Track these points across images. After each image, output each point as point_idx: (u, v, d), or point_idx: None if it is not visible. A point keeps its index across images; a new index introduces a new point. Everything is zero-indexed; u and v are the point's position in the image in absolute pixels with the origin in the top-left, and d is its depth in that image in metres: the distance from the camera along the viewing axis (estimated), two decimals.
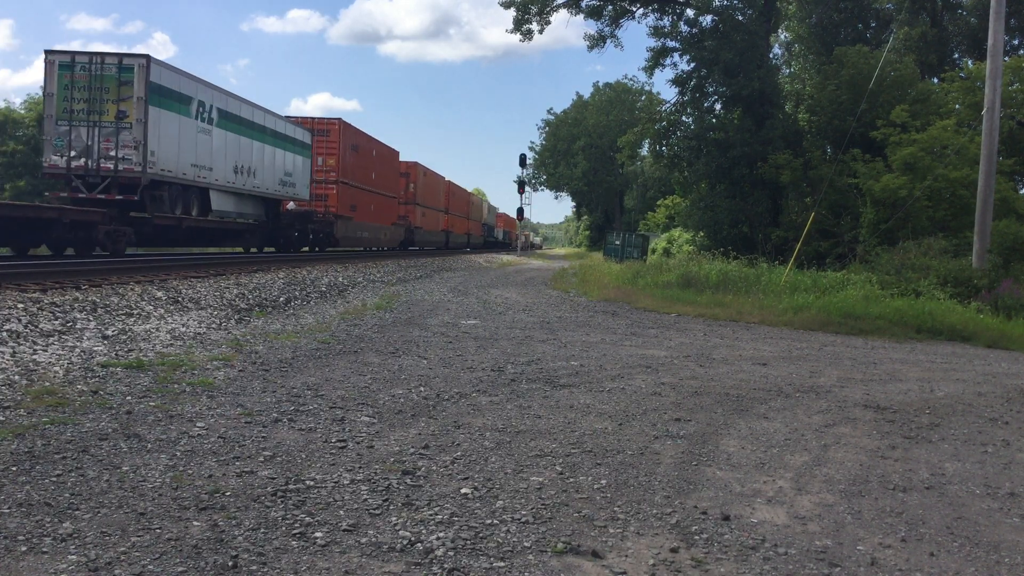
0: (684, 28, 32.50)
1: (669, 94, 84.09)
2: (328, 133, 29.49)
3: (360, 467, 4.54)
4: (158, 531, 3.50)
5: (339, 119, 30.27)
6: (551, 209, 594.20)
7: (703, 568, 3.42)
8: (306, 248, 29.14)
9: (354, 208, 31.36)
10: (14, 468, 4.18)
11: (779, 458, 5.21)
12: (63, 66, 17.14)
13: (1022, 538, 4.00)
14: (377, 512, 3.86)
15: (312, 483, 4.22)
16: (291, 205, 27.35)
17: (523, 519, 3.86)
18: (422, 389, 6.81)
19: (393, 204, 38.74)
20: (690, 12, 32.22)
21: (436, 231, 49.20)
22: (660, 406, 6.58)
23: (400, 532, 3.63)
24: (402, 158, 41.24)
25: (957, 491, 4.71)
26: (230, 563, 3.21)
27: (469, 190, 67.70)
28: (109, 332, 8.44)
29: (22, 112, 58.55)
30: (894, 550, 3.74)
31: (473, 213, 65.10)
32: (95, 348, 7.62)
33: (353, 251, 32.35)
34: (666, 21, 32.68)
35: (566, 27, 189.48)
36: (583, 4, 33.00)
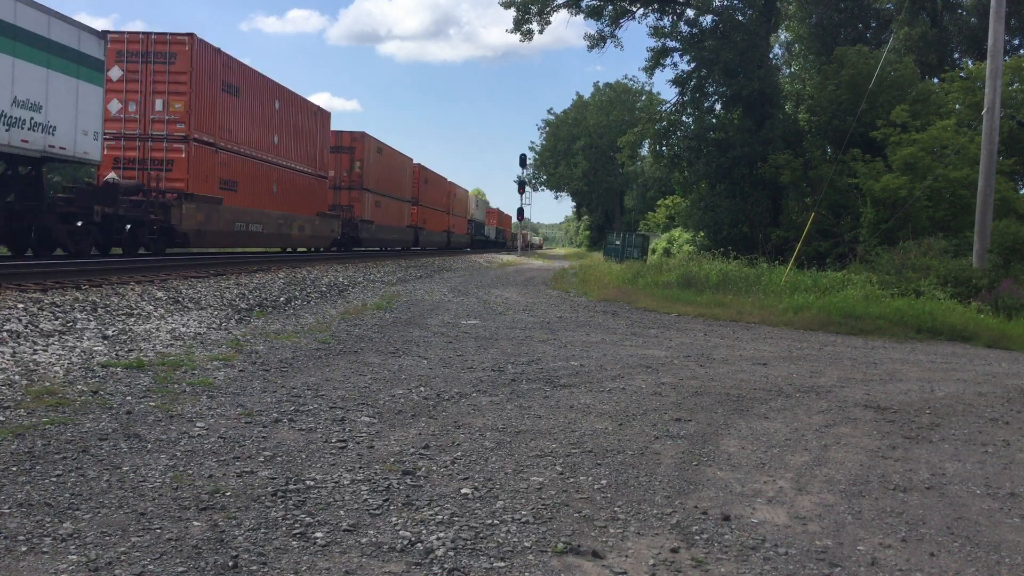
0: (684, 28, 32.61)
1: (669, 94, 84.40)
2: (173, 59, 17.99)
3: (360, 467, 4.54)
4: (158, 531, 3.49)
5: (191, 34, 18.26)
6: (551, 209, 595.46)
7: (703, 568, 3.42)
8: (119, 251, 17.19)
9: (230, 186, 20.52)
10: (14, 468, 4.18)
11: (779, 458, 5.21)
12: None
13: (1022, 538, 3.99)
14: (377, 512, 3.86)
15: (312, 483, 4.22)
16: (113, 176, 17.02)
17: (523, 519, 3.86)
18: (422, 389, 6.81)
19: (320, 187, 28.30)
20: (690, 12, 32.33)
21: (398, 227, 38.78)
22: (660, 406, 6.58)
23: (400, 532, 3.63)
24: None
25: (957, 491, 4.71)
26: (230, 563, 3.21)
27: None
28: (109, 332, 8.44)
29: None
30: (894, 550, 3.73)
31: (456, 207, 55.05)
32: (95, 348, 7.61)
33: (273, 254, 22.99)
34: (666, 21, 32.82)
35: (566, 27, 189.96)
36: (583, 4, 33.09)
